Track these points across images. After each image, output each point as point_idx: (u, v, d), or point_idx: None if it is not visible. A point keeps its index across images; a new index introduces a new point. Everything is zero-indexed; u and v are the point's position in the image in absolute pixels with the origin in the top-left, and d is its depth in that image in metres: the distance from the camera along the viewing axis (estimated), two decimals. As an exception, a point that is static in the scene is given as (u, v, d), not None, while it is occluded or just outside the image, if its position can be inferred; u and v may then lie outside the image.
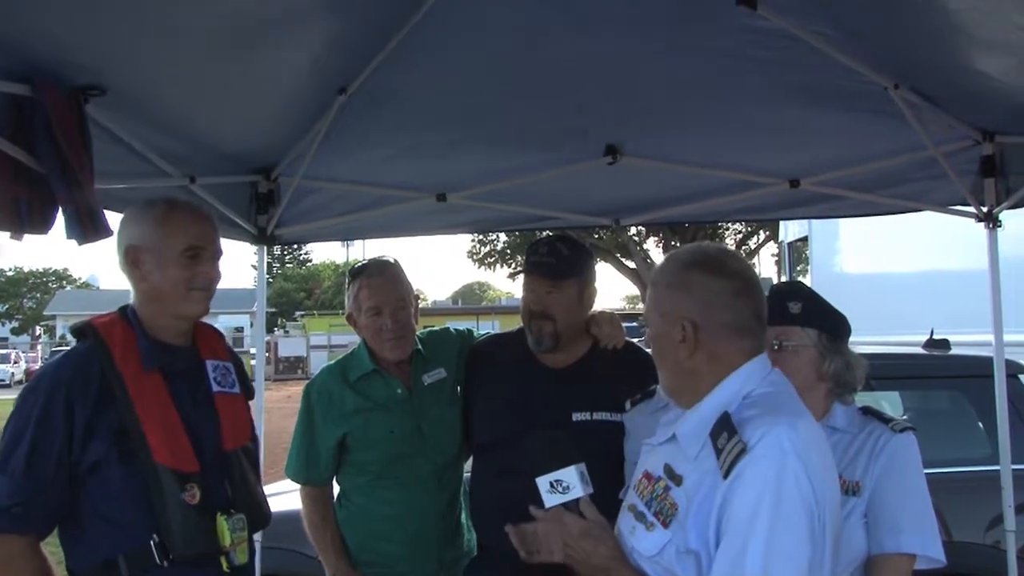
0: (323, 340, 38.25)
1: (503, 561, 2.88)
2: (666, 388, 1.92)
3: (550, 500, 1.88)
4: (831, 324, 2.30)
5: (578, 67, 3.12)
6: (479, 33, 2.98)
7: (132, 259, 2.25)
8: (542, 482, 1.89)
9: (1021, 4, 2.29)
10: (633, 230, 23.61)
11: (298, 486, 3.13)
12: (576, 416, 2.85)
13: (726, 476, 1.65)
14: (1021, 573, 3.58)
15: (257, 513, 2.31)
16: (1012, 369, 4.37)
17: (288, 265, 69.59)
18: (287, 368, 37.70)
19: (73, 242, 2.26)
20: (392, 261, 3.06)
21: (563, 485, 1.87)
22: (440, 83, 3.23)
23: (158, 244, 2.24)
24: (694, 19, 2.87)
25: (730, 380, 1.79)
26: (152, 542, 2.10)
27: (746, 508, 1.62)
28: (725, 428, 1.70)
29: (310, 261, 72.62)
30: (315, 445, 3.02)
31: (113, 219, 2.36)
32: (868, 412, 2.36)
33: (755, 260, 30.54)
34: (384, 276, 3.00)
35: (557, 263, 2.87)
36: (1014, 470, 3.70)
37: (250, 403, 2.50)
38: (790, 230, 11.92)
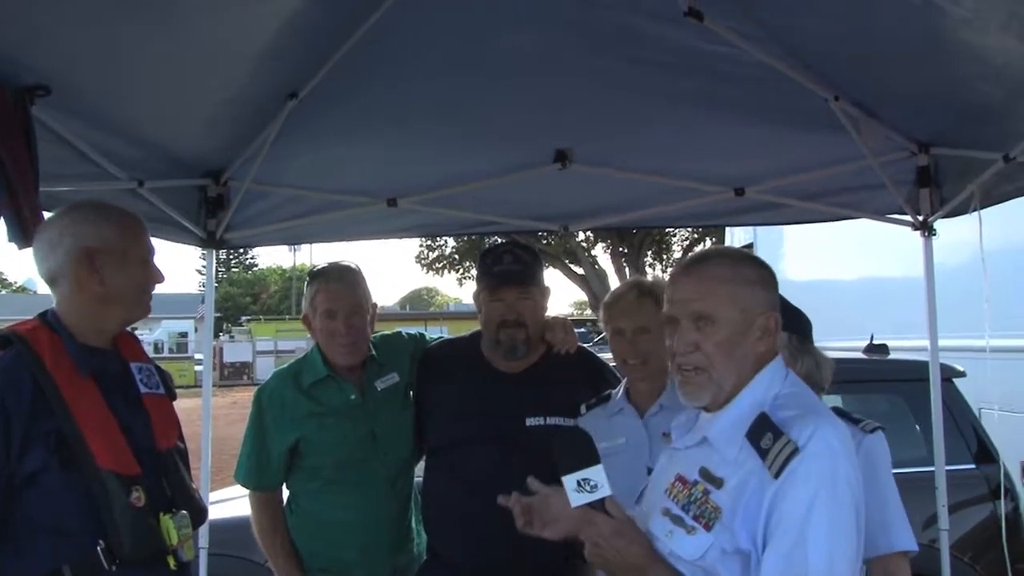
0: (269, 345, 37.82)
1: (453, 565, 2.91)
2: (724, 388, 1.85)
3: (577, 499, 1.84)
4: (799, 325, 2.36)
5: (529, 74, 3.16)
6: (430, 41, 3.00)
7: (87, 261, 2.17)
8: (569, 480, 1.84)
9: (956, 26, 2.39)
10: (581, 236, 23.71)
11: (247, 492, 3.11)
12: (530, 421, 2.88)
13: (777, 475, 1.68)
14: (954, 570, 3.69)
15: (196, 509, 2.31)
16: (947, 373, 4.50)
17: (234, 270, 68.71)
18: (232, 374, 37.13)
19: (9, 246, 2.24)
20: (354, 267, 3.06)
21: (591, 484, 1.83)
22: (391, 90, 3.24)
23: (122, 247, 2.21)
24: (643, 30, 2.92)
25: (757, 381, 1.83)
26: (99, 548, 2.07)
27: (800, 505, 1.65)
28: (768, 429, 1.73)
29: (256, 266, 71.79)
30: (266, 450, 3.00)
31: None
32: (838, 413, 2.41)
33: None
34: (343, 281, 3.00)
35: (524, 270, 2.91)
36: (948, 471, 3.81)
37: (195, 409, 2.49)
38: (736, 237, 12.07)
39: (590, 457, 1.86)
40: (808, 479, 1.66)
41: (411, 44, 3.02)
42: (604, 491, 1.83)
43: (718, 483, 1.77)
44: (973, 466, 4.68)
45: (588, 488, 1.82)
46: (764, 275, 1.91)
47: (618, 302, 2.79)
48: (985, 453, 4.74)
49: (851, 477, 1.69)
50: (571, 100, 3.34)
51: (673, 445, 2.00)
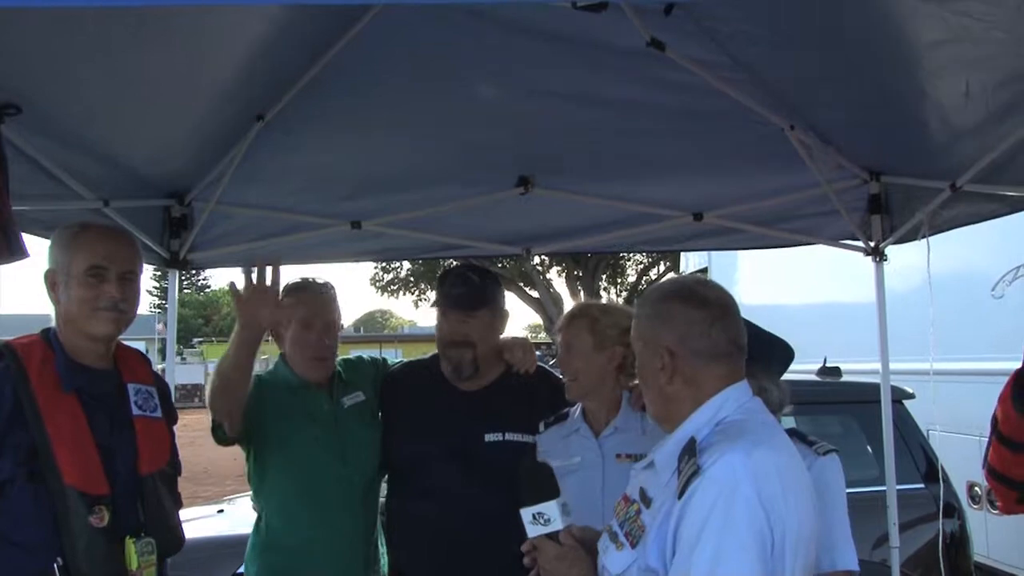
0: (222, 368, 37.23)
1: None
2: (650, 413, 1.97)
3: (532, 531, 1.94)
4: (752, 348, 2.41)
5: (493, 101, 3.22)
6: (398, 66, 3.05)
7: (51, 283, 2.27)
8: (525, 513, 1.94)
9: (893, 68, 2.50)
10: (536, 259, 23.81)
11: (198, 515, 3.03)
12: (488, 437, 2.92)
13: (680, 496, 1.70)
14: (905, 587, 3.79)
15: (169, 537, 2.31)
16: (897, 395, 4.62)
17: (186, 291, 67.68)
18: (184, 396, 36.47)
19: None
20: (331, 285, 3.09)
21: (544, 517, 1.93)
22: (358, 112, 3.28)
23: (66, 266, 2.25)
24: (606, 60, 3.00)
25: (705, 407, 1.83)
26: (56, 565, 2.06)
27: (693, 530, 1.65)
28: (688, 452, 1.76)
29: (208, 287, 70.87)
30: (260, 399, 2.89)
31: (28, 242, 2.36)
32: (793, 435, 2.40)
33: (656, 290, 30.82)
34: (323, 295, 3.03)
35: (469, 293, 2.95)
36: (899, 490, 3.91)
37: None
38: (690, 261, 12.23)
39: (546, 492, 1.95)
40: (703, 501, 1.66)
41: (378, 69, 3.06)
42: (556, 525, 1.93)
43: (648, 503, 1.83)
44: (922, 486, 4.80)
45: (542, 521, 1.93)
46: (677, 310, 1.90)
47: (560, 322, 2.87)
48: (934, 473, 4.85)
49: (754, 503, 1.64)
50: (535, 127, 3.40)
51: (635, 466, 2.05)
